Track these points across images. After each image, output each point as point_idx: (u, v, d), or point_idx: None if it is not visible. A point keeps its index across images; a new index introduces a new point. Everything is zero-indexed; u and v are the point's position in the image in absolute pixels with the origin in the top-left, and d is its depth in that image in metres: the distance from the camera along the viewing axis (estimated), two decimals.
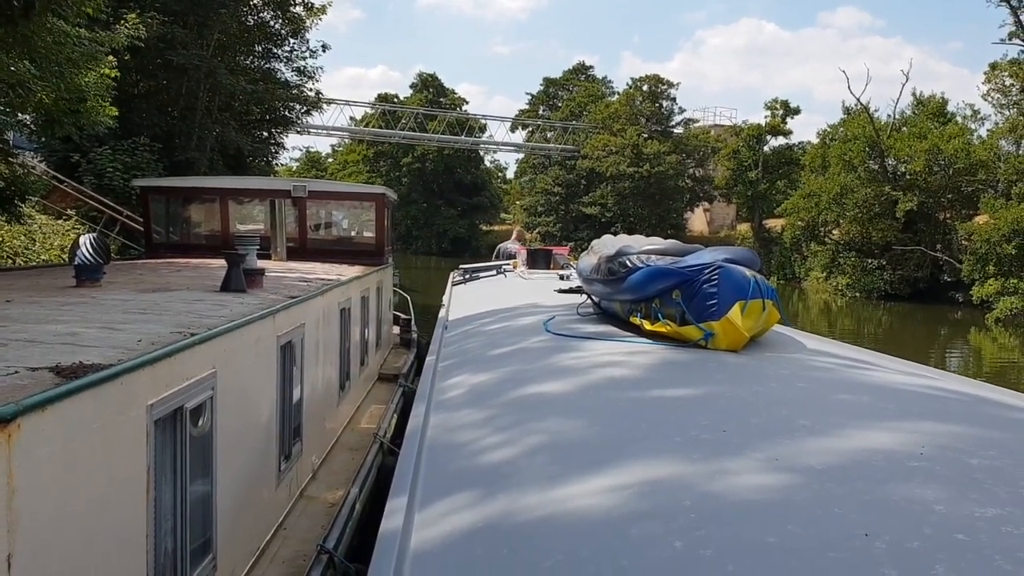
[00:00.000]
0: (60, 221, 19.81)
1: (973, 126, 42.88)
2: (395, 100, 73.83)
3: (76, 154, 20.93)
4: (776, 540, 2.41)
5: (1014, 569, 2.13)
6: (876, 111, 44.76)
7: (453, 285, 14.30)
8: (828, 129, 48.73)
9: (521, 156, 75.53)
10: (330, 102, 51.81)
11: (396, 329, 15.29)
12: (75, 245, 6.71)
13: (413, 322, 15.62)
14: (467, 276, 15.71)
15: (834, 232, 44.74)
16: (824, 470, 3.01)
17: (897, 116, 45.32)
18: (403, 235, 69.25)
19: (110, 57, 13.20)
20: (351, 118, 63.60)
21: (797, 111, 56.04)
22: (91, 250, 6.54)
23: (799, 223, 45.41)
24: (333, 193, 14.52)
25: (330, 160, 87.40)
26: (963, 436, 3.56)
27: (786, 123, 55.73)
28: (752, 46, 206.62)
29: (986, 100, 40.51)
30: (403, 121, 64.34)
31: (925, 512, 2.57)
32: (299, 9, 27.32)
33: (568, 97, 72.83)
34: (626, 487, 2.98)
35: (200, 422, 4.33)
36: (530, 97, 77.97)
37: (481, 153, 76.14)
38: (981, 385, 5.29)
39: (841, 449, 3.29)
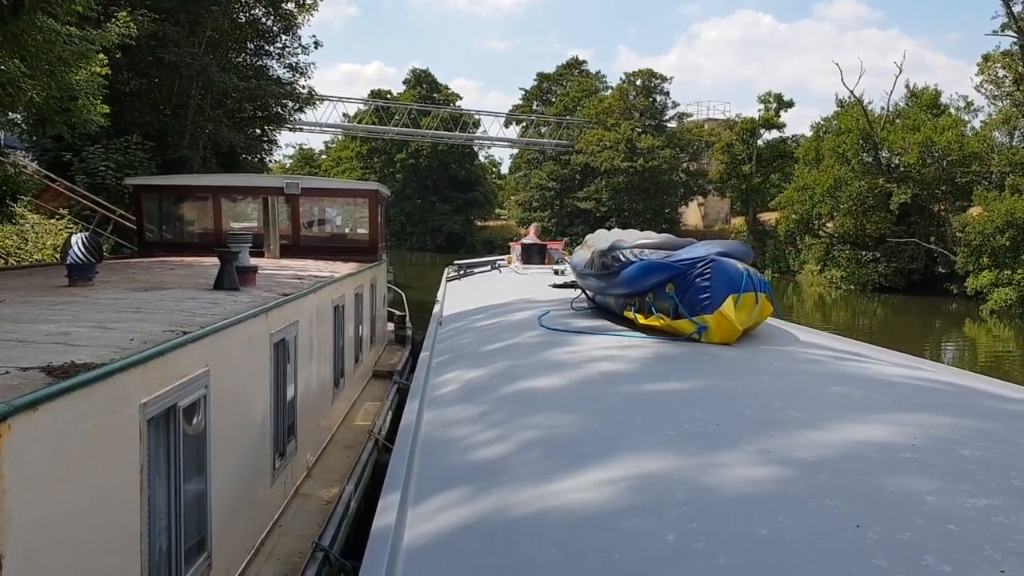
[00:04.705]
0: (53, 220, 19.72)
1: (967, 118, 43.03)
2: (388, 96, 73.70)
3: (68, 153, 20.83)
4: (768, 532, 2.41)
5: (1004, 559, 2.14)
6: (870, 103, 44.88)
7: (447, 281, 14.30)
8: (822, 122, 48.82)
9: (515, 151, 75.49)
10: (323, 99, 51.62)
11: (391, 326, 15.27)
12: (67, 244, 6.69)
13: (408, 319, 15.59)
14: (462, 272, 15.72)
15: (828, 225, 44.80)
16: (817, 462, 3.02)
17: (891, 108, 45.43)
18: (398, 231, 69.15)
19: (101, 55, 13.14)
20: (344, 114, 63.52)
21: (791, 104, 56.07)
22: (83, 249, 6.51)
23: (793, 216, 45.45)
24: (326, 190, 14.48)
25: (324, 157, 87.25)
26: (956, 427, 3.57)
27: (779, 116, 55.76)
28: (748, 38, 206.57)
29: (979, 92, 40.60)
30: (397, 117, 64.22)
31: (917, 503, 2.58)
32: (291, 6, 27.25)
33: (562, 92, 72.76)
34: (619, 481, 2.99)
35: (194, 421, 4.32)
36: (523, 92, 77.95)
37: (475, 149, 76.12)
38: (974, 376, 5.31)
39: (834, 441, 3.30)
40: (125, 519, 3.49)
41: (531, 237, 16.71)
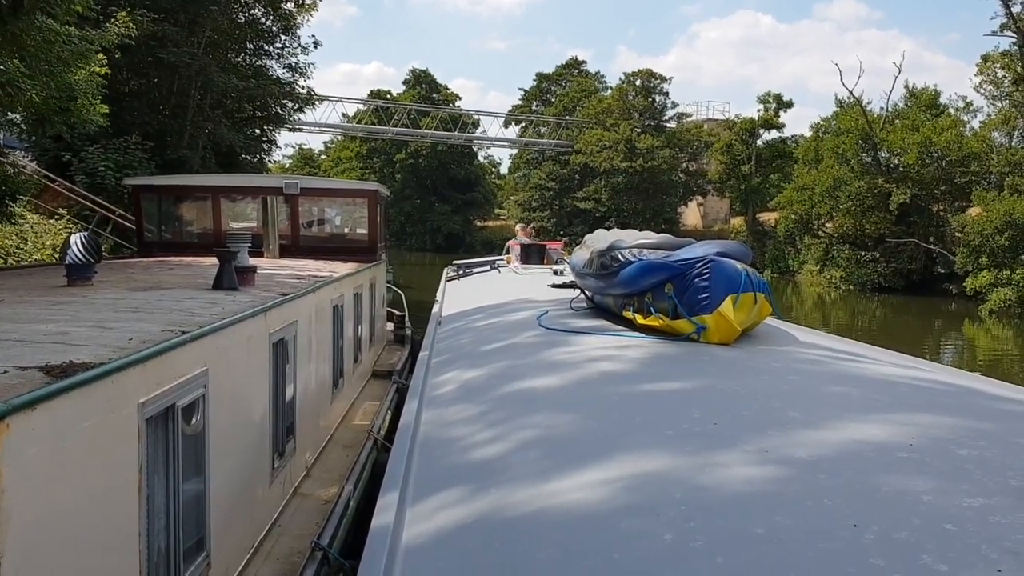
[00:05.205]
0: (52, 220, 19.71)
1: (966, 118, 43.04)
2: (388, 96, 73.73)
3: (67, 153, 20.79)
4: (766, 531, 2.42)
5: (1000, 558, 2.14)
6: (869, 103, 44.91)
7: (447, 281, 14.31)
8: (821, 122, 48.83)
9: (515, 151, 75.52)
10: (322, 99, 51.55)
11: (390, 325, 15.28)
12: (66, 244, 6.69)
13: (407, 318, 15.61)
14: (461, 272, 15.73)
15: (828, 225, 44.81)
16: (814, 462, 3.02)
17: (890, 109, 45.46)
18: (397, 231, 69.18)
19: (100, 55, 13.14)
20: (344, 115, 63.48)
21: (790, 104, 56.05)
22: (82, 249, 6.51)
23: (792, 216, 45.47)
24: (325, 190, 14.50)
25: (323, 157, 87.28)
26: (953, 427, 3.58)
27: (779, 116, 55.76)
28: (748, 39, 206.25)
29: (978, 92, 40.62)
30: (396, 117, 64.22)
31: (914, 503, 2.59)
32: (290, 6, 27.23)
33: (561, 92, 72.78)
34: (617, 480, 2.99)
35: (192, 420, 4.32)
36: (523, 92, 77.98)
37: (475, 149, 76.18)
38: (972, 376, 5.32)
39: (832, 441, 3.30)
40: (124, 518, 3.50)
41: (520, 237, 16.77)
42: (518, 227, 18.30)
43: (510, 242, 17.78)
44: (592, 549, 2.45)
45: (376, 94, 74.30)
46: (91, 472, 3.20)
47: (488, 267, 16.46)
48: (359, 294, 10.53)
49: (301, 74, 29.09)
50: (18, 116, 14.59)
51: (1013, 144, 38.30)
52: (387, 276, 15.48)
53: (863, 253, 42.12)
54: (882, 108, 45.31)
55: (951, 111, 43.98)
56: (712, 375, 4.86)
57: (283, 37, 28.22)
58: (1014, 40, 36.39)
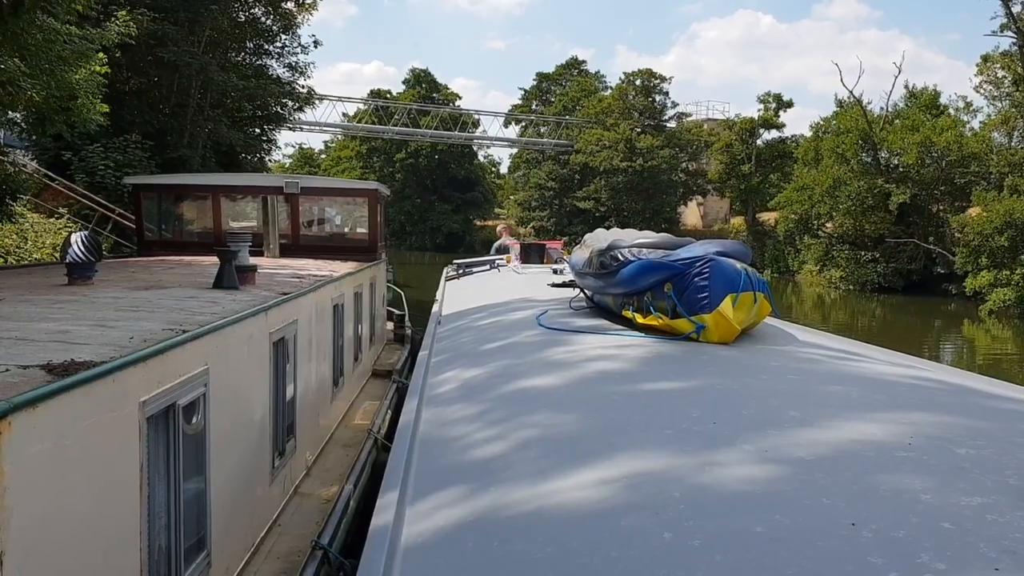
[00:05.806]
0: (52, 219, 19.73)
1: (966, 118, 43.05)
2: (388, 96, 73.76)
3: (67, 152, 20.81)
4: (764, 530, 2.43)
5: (999, 556, 2.15)
6: (869, 104, 44.90)
7: (447, 280, 14.31)
8: (821, 122, 48.81)
9: (515, 151, 75.55)
10: (322, 98, 51.57)
11: (390, 325, 15.30)
12: (66, 243, 6.70)
13: (407, 318, 15.63)
14: (461, 271, 15.74)
15: (827, 225, 44.79)
16: (813, 461, 3.03)
17: (890, 109, 45.45)
18: (397, 231, 69.18)
19: (101, 54, 13.14)
20: (344, 114, 63.53)
21: (790, 104, 56.01)
22: (83, 248, 6.52)
23: (792, 216, 45.47)
24: (326, 189, 14.54)
25: (323, 157, 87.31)
26: (951, 426, 3.59)
27: (779, 116, 55.74)
28: (748, 39, 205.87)
29: (978, 92, 40.63)
30: (396, 117, 64.23)
31: (912, 501, 2.60)
32: (290, 5, 27.24)
33: (561, 92, 72.79)
34: (616, 479, 3.00)
35: (193, 419, 4.33)
36: (523, 92, 78.00)
37: (475, 148, 76.18)
38: (970, 376, 5.32)
39: (830, 440, 3.31)
40: (125, 517, 3.51)
41: (504, 238, 16.85)
42: (499, 228, 18.43)
43: (497, 242, 17.87)
44: (591, 548, 2.46)
45: (376, 93, 74.33)
46: (92, 471, 3.21)
47: (488, 266, 16.47)
48: (359, 293, 10.55)
49: (301, 73, 29.11)
50: (18, 115, 14.59)
51: (1013, 144, 38.29)
52: (387, 275, 15.50)
53: (863, 253, 42.11)
54: (882, 108, 45.36)
55: (951, 111, 44.02)
56: (711, 374, 4.87)
57: (283, 36, 28.26)
58: (1014, 40, 36.38)
